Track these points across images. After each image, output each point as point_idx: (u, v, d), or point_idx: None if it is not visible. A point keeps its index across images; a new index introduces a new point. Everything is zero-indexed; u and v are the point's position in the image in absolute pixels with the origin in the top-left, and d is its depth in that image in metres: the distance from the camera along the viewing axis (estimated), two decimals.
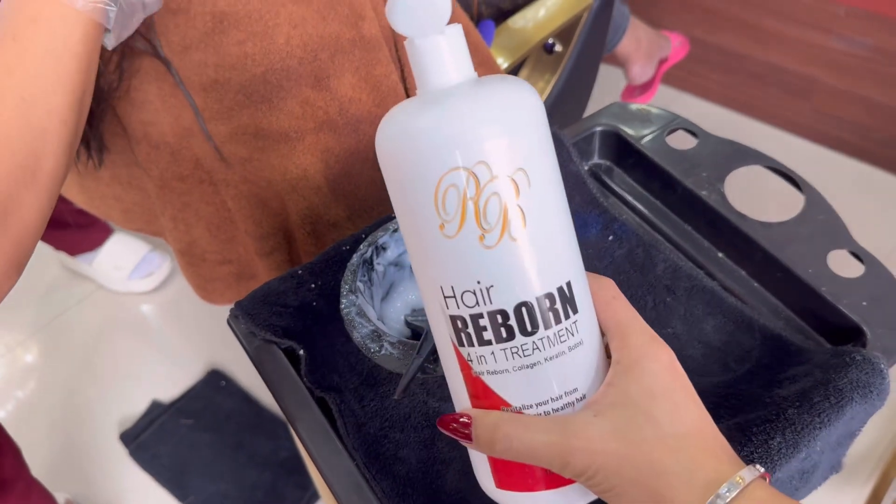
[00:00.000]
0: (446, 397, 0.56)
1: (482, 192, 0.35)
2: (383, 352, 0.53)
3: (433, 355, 0.52)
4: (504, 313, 0.36)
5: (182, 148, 0.69)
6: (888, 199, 1.65)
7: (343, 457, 0.51)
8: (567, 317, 0.37)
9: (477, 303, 0.37)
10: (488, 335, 0.37)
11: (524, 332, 0.37)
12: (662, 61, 1.51)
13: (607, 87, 1.33)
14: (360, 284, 0.57)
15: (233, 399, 1.40)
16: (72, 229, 1.47)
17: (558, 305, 0.37)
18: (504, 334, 0.37)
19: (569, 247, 0.39)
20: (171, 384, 1.42)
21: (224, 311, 1.49)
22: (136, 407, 1.40)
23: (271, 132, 0.69)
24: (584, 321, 0.39)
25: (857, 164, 1.74)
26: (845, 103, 1.72)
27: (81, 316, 1.54)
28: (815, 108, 1.77)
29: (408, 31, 0.37)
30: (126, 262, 1.53)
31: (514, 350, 0.37)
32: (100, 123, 0.69)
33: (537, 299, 0.36)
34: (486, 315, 0.37)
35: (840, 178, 1.68)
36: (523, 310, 0.36)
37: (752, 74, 1.82)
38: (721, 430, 0.52)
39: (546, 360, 0.37)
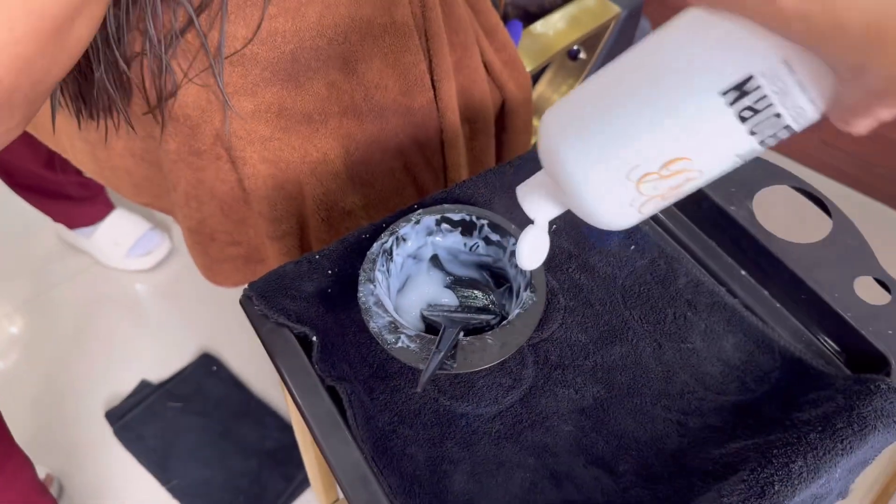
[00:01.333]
0: (458, 395, 0.55)
1: None
2: (399, 344, 0.52)
3: (452, 351, 0.51)
4: None
5: (203, 122, 0.67)
6: (890, 233, 1.65)
7: (351, 448, 0.50)
8: None
9: None
10: None
11: None
12: None
13: None
14: (378, 274, 0.56)
15: (223, 385, 1.38)
16: (73, 202, 1.45)
17: None
18: None
19: None
20: (161, 365, 1.40)
21: (220, 297, 1.47)
22: (123, 386, 1.37)
23: (295, 112, 0.67)
24: None
25: (860, 197, 1.74)
26: (853, 136, 1.72)
27: (75, 290, 1.52)
28: (824, 139, 1.77)
29: None
30: (125, 238, 1.51)
31: None
32: (128, 98, 0.67)
33: None
34: None
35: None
36: None
37: None
38: (738, 450, 0.51)
39: None
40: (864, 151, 1.72)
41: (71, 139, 0.81)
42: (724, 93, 0.35)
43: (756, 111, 0.35)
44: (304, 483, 1.26)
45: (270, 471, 1.27)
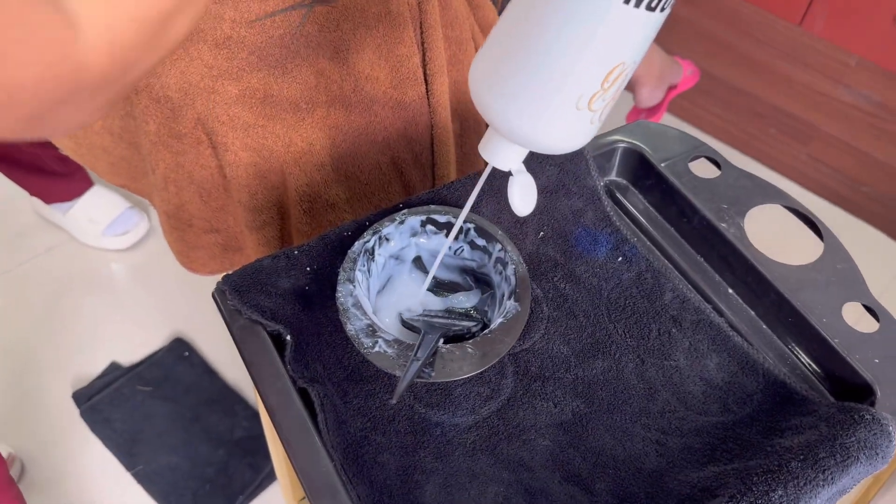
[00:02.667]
0: (433, 403, 0.53)
1: None
2: (377, 349, 0.50)
3: (431, 358, 0.50)
4: None
5: (184, 105, 0.65)
6: (871, 253, 1.66)
7: (321, 455, 0.48)
8: None
9: None
10: None
11: None
12: (671, 88, 1.49)
13: (616, 109, 1.31)
14: (358, 274, 0.54)
15: (194, 371, 1.35)
16: (51, 176, 1.41)
17: None
18: None
19: None
20: (132, 348, 1.37)
21: (196, 281, 1.45)
22: (92, 367, 1.35)
23: (281, 100, 0.65)
24: None
25: (844, 215, 1.75)
26: (841, 153, 1.72)
27: (48, 266, 1.48)
28: (812, 154, 1.77)
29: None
30: (102, 216, 1.47)
31: None
32: None
33: None
34: None
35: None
36: None
37: (754, 113, 1.82)
38: (718, 474, 0.50)
39: None
40: (851, 169, 1.72)
41: None
42: (626, 0, 0.37)
43: None
44: (272, 474, 1.24)
45: (238, 460, 1.25)
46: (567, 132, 0.43)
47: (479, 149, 0.48)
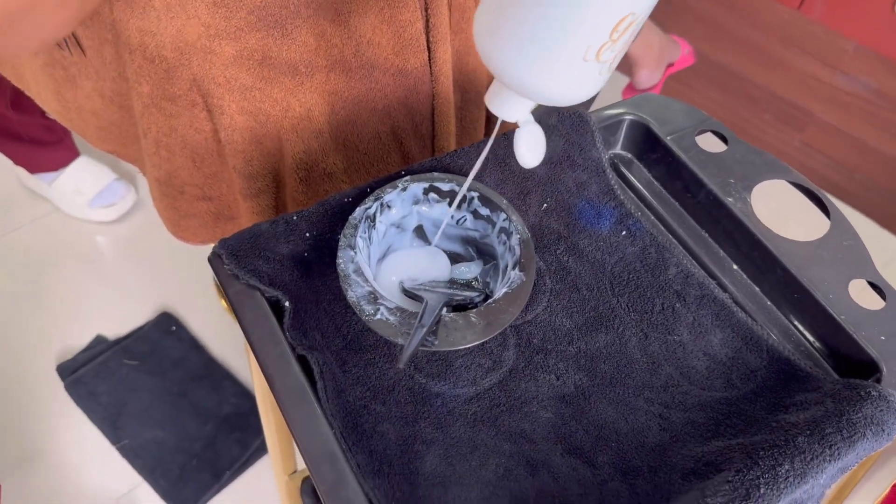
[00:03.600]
0: (434, 374, 0.52)
1: None
2: (378, 316, 0.49)
3: (434, 327, 0.48)
4: None
5: (180, 65, 0.63)
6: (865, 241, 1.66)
7: (320, 422, 0.47)
8: None
9: None
10: None
11: None
12: (669, 65, 1.48)
13: (612, 88, 1.30)
14: (359, 241, 0.53)
15: (182, 346, 1.34)
16: (36, 145, 1.38)
17: None
18: None
19: None
20: (118, 321, 1.35)
21: (184, 255, 1.43)
22: (77, 340, 1.32)
23: (280, 62, 0.63)
24: None
25: (836, 203, 1.75)
26: (835, 141, 1.72)
27: (33, 237, 1.45)
28: (806, 140, 1.77)
29: None
30: (88, 187, 1.44)
31: None
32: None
33: None
34: None
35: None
36: None
37: (750, 97, 1.81)
38: (722, 449, 0.49)
39: None
40: (845, 156, 1.72)
41: (35, 76, 0.76)
42: None
43: None
44: (259, 451, 1.23)
45: (226, 436, 1.24)
46: (575, 83, 0.42)
47: (485, 100, 0.47)
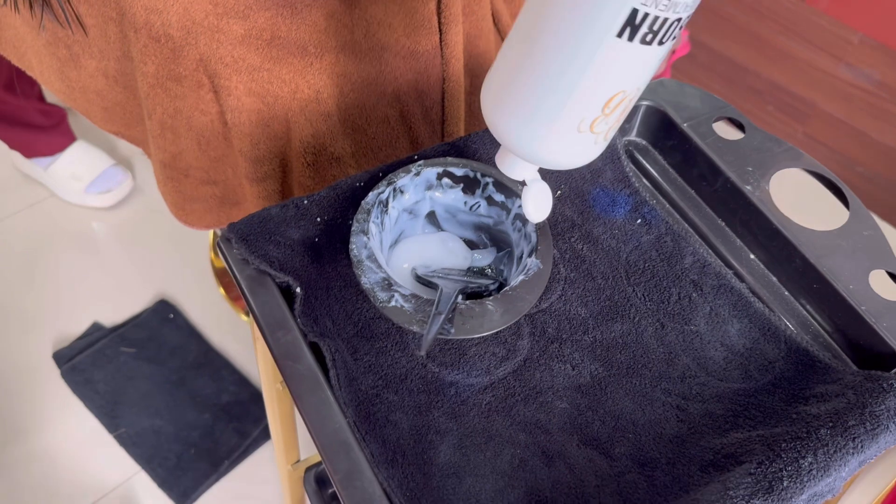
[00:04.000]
0: (448, 363, 0.51)
1: None
2: (393, 303, 0.48)
3: (450, 315, 0.47)
4: None
5: (186, 44, 0.62)
6: None
7: (333, 410, 0.46)
8: None
9: None
10: None
11: None
12: (670, 52, 1.48)
13: None
14: (372, 226, 0.51)
15: (180, 333, 1.32)
16: (32, 129, 1.36)
17: None
18: None
19: None
20: (115, 309, 1.34)
21: (182, 242, 1.41)
22: (75, 327, 1.31)
23: (289, 42, 0.62)
24: None
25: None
26: (838, 133, 1.71)
27: (29, 223, 1.43)
28: (808, 132, 1.76)
29: None
30: (85, 173, 1.42)
31: None
32: None
33: None
34: None
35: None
36: None
37: (752, 89, 1.80)
38: (742, 440, 0.48)
39: None
40: (847, 149, 1.71)
41: (38, 55, 0.74)
42: (619, 34, 0.38)
43: (655, 31, 0.38)
44: (258, 440, 1.22)
45: (224, 425, 1.23)
46: (570, 152, 0.45)
47: (495, 160, 0.50)
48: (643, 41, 0.39)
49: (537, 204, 0.50)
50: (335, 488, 0.44)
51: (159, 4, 0.59)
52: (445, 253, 0.56)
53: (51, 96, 1.38)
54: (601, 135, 0.44)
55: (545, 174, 0.60)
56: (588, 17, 0.38)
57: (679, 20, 0.38)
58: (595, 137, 0.44)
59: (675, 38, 0.39)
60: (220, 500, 1.17)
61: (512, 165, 0.49)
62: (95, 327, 1.31)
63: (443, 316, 0.46)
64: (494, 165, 0.57)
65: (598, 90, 0.41)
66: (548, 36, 0.40)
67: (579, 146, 0.44)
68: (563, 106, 0.42)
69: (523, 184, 0.50)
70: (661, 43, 0.39)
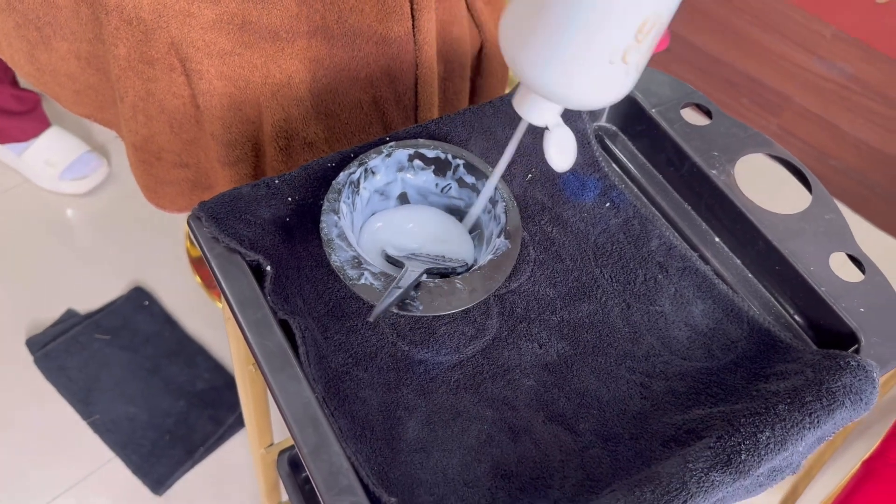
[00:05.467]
0: (417, 341, 0.52)
1: None
2: (363, 281, 0.48)
3: (414, 293, 0.48)
4: None
5: (158, 27, 0.62)
6: None
7: (302, 385, 0.46)
8: None
9: None
10: None
11: None
12: None
13: None
14: (343, 206, 0.52)
15: (154, 320, 1.32)
16: (5, 115, 1.34)
17: None
18: None
19: None
20: (89, 295, 1.33)
21: (156, 229, 1.40)
22: (48, 314, 1.30)
23: (260, 27, 0.62)
24: None
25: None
26: (811, 126, 1.74)
27: (2, 209, 1.42)
28: (782, 125, 1.79)
29: None
30: (60, 159, 1.41)
31: None
32: None
33: None
34: None
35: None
36: None
37: (728, 81, 1.82)
38: (703, 417, 0.50)
39: None
40: (820, 141, 1.74)
41: (7, 37, 0.74)
42: None
43: None
44: (233, 427, 1.22)
45: (199, 412, 1.23)
46: (603, 87, 0.43)
47: (513, 105, 0.47)
48: None
49: (562, 149, 0.48)
50: (303, 462, 0.44)
51: None
52: (417, 232, 0.57)
53: (25, 82, 1.36)
54: (633, 66, 0.42)
55: (517, 154, 0.61)
56: None
57: None
58: (626, 69, 0.42)
59: None
60: (195, 487, 1.17)
61: (533, 108, 0.46)
62: (69, 314, 1.31)
63: (401, 291, 0.46)
64: (466, 148, 0.58)
65: (631, 14, 0.39)
66: None
67: (612, 79, 0.42)
68: (597, 34, 0.39)
69: (546, 129, 0.48)
70: None
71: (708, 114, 0.65)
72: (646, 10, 0.39)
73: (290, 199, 0.54)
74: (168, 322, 1.32)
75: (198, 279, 1.36)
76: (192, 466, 1.18)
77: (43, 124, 1.42)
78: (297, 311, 0.51)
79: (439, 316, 0.51)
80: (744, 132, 0.63)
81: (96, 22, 0.65)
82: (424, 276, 0.50)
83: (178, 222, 1.41)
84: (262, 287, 0.50)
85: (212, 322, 1.32)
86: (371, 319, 0.46)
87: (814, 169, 1.88)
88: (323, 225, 0.50)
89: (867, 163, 1.71)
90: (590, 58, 0.40)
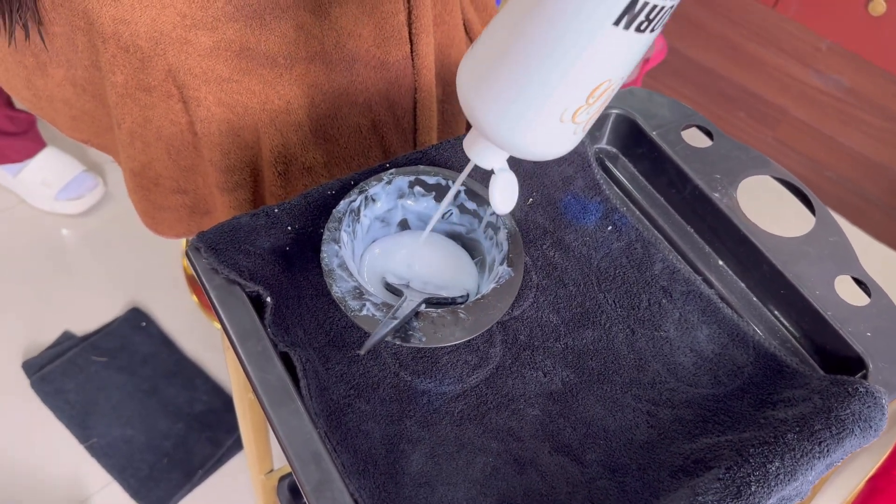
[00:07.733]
0: (420, 371, 0.51)
1: None
2: (364, 312, 0.48)
3: (414, 324, 0.47)
4: None
5: (155, 55, 0.61)
6: None
7: (304, 420, 0.46)
8: None
9: None
10: None
11: None
12: (644, 61, 1.49)
13: None
14: (343, 235, 0.51)
15: (152, 342, 1.31)
16: (0, 135, 1.34)
17: None
18: None
19: None
20: (86, 317, 1.32)
21: (153, 250, 1.40)
22: (44, 336, 1.29)
23: (258, 53, 0.62)
24: None
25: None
26: (808, 138, 1.74)
27: None
28: (778, 137, 1.79)
29: None
30: (56, 179, 1.40)
31: None
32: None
33: None
34: None
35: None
36: None
37: (724, 95, 1.83)
38: (711, 446, 0.49)
39: None
40: (817, 153, 1.74)
41: (4, 63, 0.73)
42: (616, 22, 0.38)
43: (651, 19, 0.39)
44: (232, 449, 1.21)
45: (198, 434, 1.22)
46: (549, 142, 0.45)
47: (464, 146, 0.49)
48: (638, 29, 0.39)
49: (504, 195, 0.50)
50: (306, 499, 0.43)
51: (127, 15, 0.59)
52: (418, 261, 0.56)
53: (20, 103, 1.36)
54: (581, 125, 0.44)
55: (520, 177, 0.60)
56: (587, 4, 0.38)
57: (672, 7, 0.39)
58: (575, 128, 0.44)
59: (663, 25, 0.40)
60: None
61: (482, 153, 0.48)
62: (66, 336, 1.30)
63: (396, 322, 0.46)
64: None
65: (586, 78, 0.41)
66: (542, 22, 0.40)
67: (559, 136, 0.44)
68: (551, 93, 0.41)
69: (491, 173, 0.49)
70: (652, 30, 0.40)
71: (709, 135, 0.64)
72: (605, 75, 0.41)
73: (289, 227, 0.54)
74: (165, 343, 1.31)
75: (195, 299, 1.35)
76: (190, 490, 1.17)
77: (38, 145, 1.41)
78: (298, 342, 0.50)
79: None
80: (746, 154, 0.62)
81: (93, 49, 0.64)
82: (423, 305, 0.50)
83: (175, 242, 1.41)
84: (262, 318, 0.50)
85: (210, 343, 1.31)
86: (362, 353, 0.46)
87: (810, 180, 1.89)
88: (324, 255, 0.50)
89: (863, 174, 1.71)
90: (543, 114, 0.42)
